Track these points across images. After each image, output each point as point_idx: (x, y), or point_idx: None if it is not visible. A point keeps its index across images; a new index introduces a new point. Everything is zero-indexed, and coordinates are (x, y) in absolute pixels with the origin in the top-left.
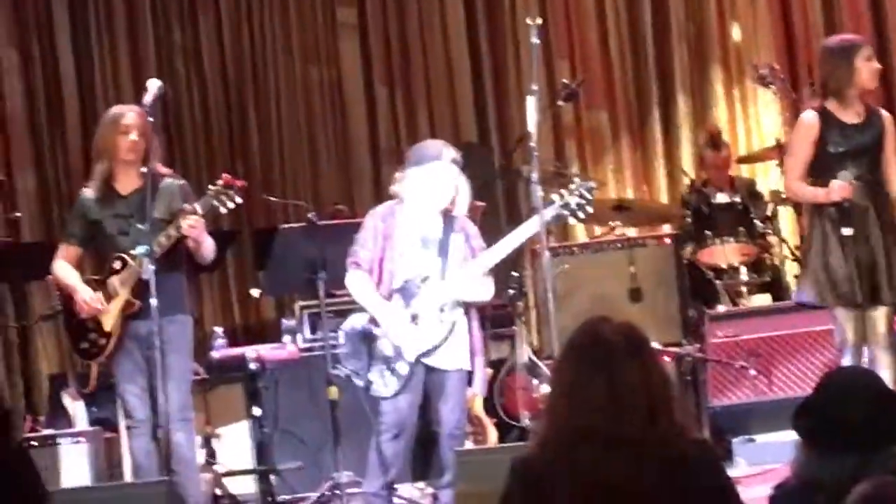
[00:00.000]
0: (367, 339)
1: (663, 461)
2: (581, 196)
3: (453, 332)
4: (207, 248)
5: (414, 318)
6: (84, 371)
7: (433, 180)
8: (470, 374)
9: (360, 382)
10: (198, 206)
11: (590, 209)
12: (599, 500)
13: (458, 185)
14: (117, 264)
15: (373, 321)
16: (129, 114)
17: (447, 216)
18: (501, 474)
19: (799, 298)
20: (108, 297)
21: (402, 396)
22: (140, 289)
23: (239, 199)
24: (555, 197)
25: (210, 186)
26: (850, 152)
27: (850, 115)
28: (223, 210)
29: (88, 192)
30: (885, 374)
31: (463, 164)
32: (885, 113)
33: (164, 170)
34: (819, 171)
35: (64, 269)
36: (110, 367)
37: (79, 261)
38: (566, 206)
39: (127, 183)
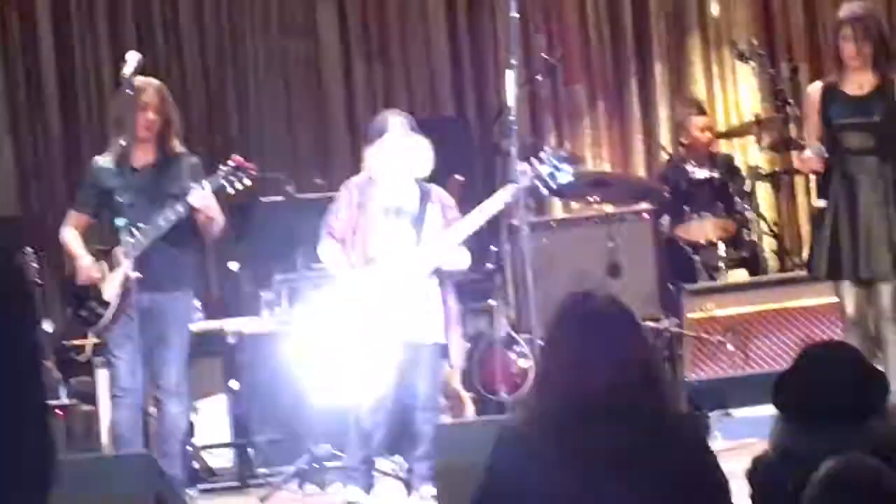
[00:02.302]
0: (340, 311)
1: (655, 432)
2: (553, 165)
3: (429, 303)
4: (216, 224)
5: (389, 289)
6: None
7: (386, 154)
8: (445, 346)
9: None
10: (206, 184)
11: (561, 179)
12: (597, 468)
13: (413, 147)
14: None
15: (347, 294)
16: (148, 90)
17: (423, 188)
18: (481, 447)
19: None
20: (112, 268)
21: (381, 371)
22: (143, 261)
23: (248, 181)
24: (524, 166)
25: (221, 167)
26: (851, 125)
27: (856, 87)
28: (231, 191)
29: (103, 161)
30: (891, 350)
31: (414, 126)
32: None
33: (180, 147)
34: (828, 142)
35: (69, 235)
36: (104, 335)
37: (87, 229)
38: (538, 176)
39: (140, 157)
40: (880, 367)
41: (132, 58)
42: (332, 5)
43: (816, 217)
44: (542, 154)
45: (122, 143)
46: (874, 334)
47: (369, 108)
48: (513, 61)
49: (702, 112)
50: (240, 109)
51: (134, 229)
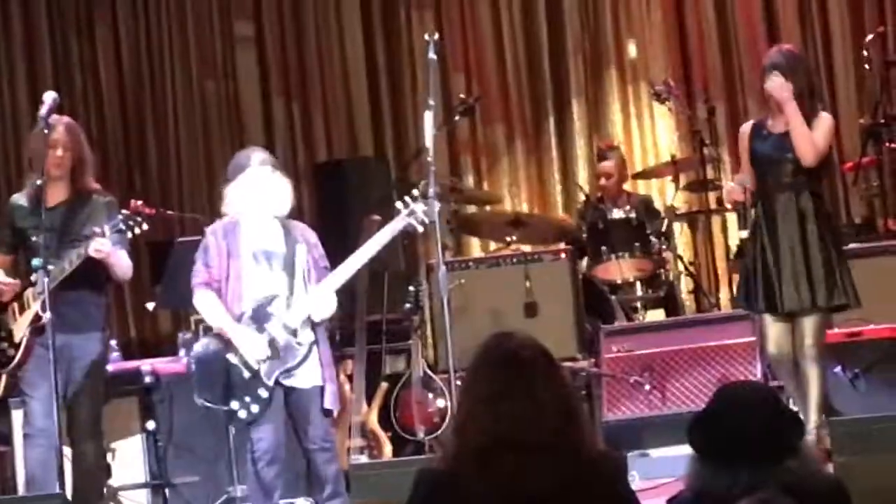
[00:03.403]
0: (220, 364)
1: (576, 468)
2: (425, 202)
3: (304, 349)
4: (119, 267)
5: (270, 341)
6: None
7: (247, 190)
8: (322, 388)
9: (216, 411)
10: (106, 229)
11: (434, 217)
12: None
13: (273, 186)
14: (33, 277)
15: (226, 344)
16: (58, 127)
17: (286, 226)
18: (398, 488)
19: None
20: (22, 309)
21: (268, 420)
22: (52, 302)
23: (145, 226)
24: (399, 205)
25: (122, 211)
26: (770, 159)
27: (780, 124)
28: (129, 235)
29: (19, 199)
30: (811, 386)
31: (276, 163)
32: (821, 116)
33: (93, 185)
34: (756, 179)
35: None
36: (17, 377)
37: (10, 268)
38: (412, 213)
39: (53, 195)
40: (799, 404)
41: (49, 97)
42: (251, 46)
43: (739, 249)
44: (414, 191)
45: (37, 182)
46: (792, 368)
47: (289, 149)
48: (431, 102)
49: (602, 157)
50: (158, 149)
51: (43, 270)
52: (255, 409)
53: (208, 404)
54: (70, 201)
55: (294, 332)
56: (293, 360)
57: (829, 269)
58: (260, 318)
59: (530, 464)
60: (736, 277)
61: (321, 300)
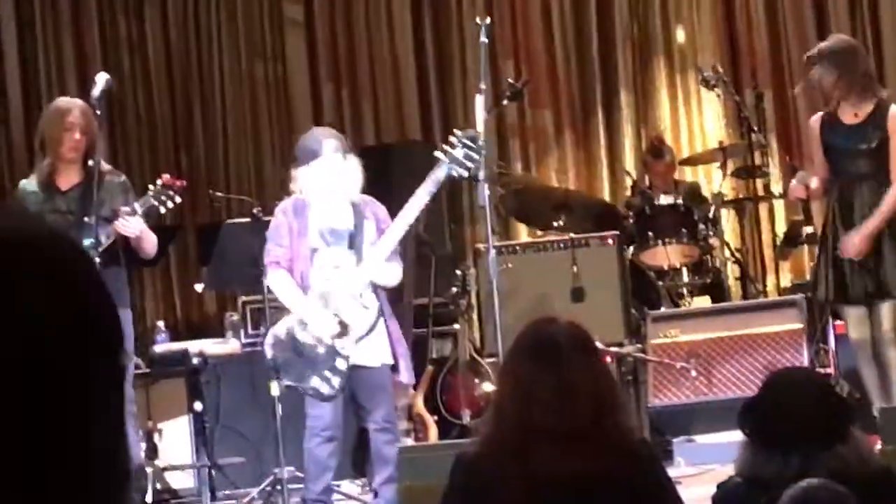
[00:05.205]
0: (296, 344)
1: (609, 458)
2: (465, 146)
3: (381, 317)
4: (149, 243)
5: (338, 315)
6: None
7: (319, 177)
8: (394, 365)
9: (303, 390)
10: (137, 206)
11: (477, 157)
12: (549, 497)
13: (345, 173)
14: None
15: (297, 324)
16: (74, 111)
17: (356, 204)
18: (443, 471)
19: None
20: None
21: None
22: None
23: (178, 199)
24: (439, 155)
25: (150, 186)
26: (843, 150)
27: (851, 115)
28: (163, 210)
29: (29, 185)
30: (893, 372)
31: (349, 148)
32: (894, 110)
33: (104, 166)
34: (830, 171)
35: None
36: None
37: None
38: (454, 159)
39: (67, 178)
40: (876, 389)
41: (101, 79)
42: (301, 29)
43: (786, 236)
44: (452, 138)
45: (48, 164)
46: (872, 354)
47: (337, 131)
48: (482, 86)
49: (656, 154)
50: (206, 131)
51: (94, 250)
52: (336, 381)
53: (294, 385)
54: (84, 183)
55: (359, 297)
56: (362, 328)
57: None
58: (326, 294)
59: (563, 452)
60: (782, 264)
61: (378, 260)
